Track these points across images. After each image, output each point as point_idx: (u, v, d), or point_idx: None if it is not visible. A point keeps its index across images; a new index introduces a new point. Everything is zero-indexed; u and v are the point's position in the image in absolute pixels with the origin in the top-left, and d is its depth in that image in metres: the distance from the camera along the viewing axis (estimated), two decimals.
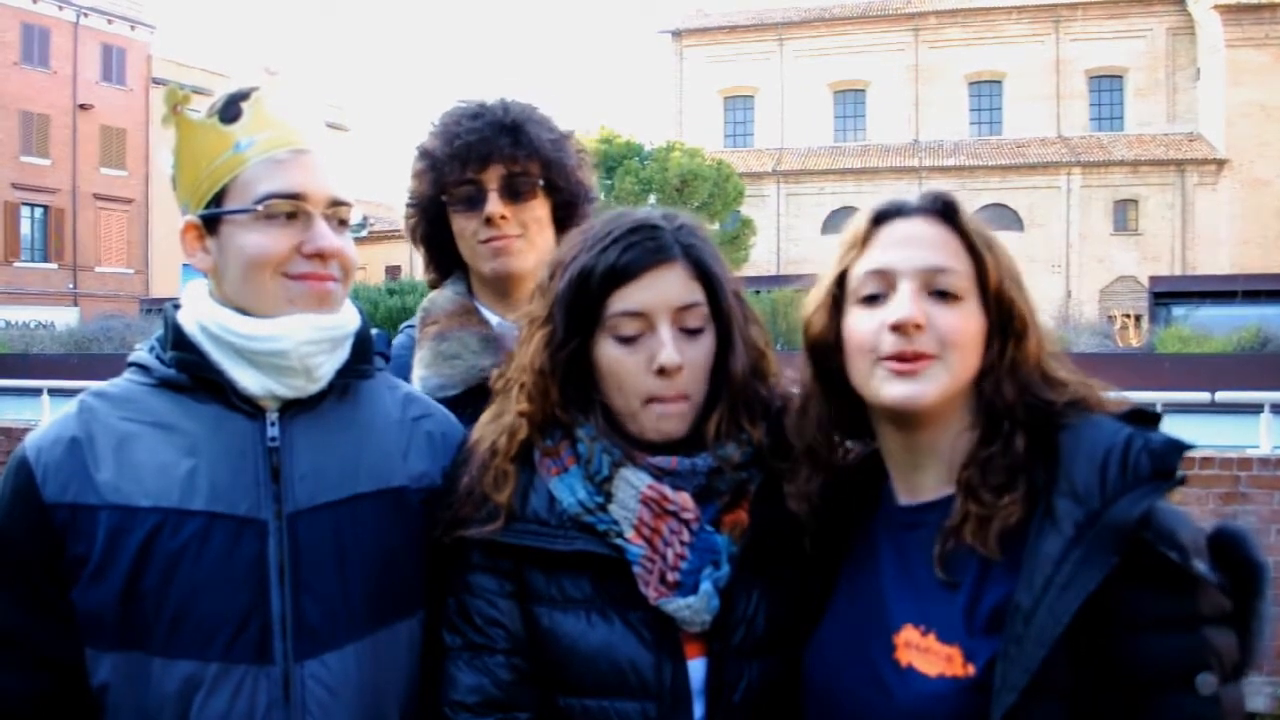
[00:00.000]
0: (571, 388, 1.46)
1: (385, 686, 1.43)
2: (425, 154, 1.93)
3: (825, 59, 47.99)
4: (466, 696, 1.41)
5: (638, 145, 34.28)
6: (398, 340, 2.03)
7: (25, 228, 38.48)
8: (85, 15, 39.67)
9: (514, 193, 1.89)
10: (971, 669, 1.18)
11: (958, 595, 1.23)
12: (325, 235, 1.40)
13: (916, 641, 1.25)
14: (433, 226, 1.99)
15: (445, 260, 2.04)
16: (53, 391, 10.85)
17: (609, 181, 32.87)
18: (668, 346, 1.40)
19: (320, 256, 1.40)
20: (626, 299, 1.42)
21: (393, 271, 46.58)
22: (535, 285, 1.54)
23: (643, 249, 1.43)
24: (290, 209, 1.39)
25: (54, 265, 39.03)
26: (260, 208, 1.38)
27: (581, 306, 1.44)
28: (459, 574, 1.46)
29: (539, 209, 1.93)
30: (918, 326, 1.26)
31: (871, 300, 1.31)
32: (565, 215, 1.97)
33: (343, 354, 1.47)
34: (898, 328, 1.26)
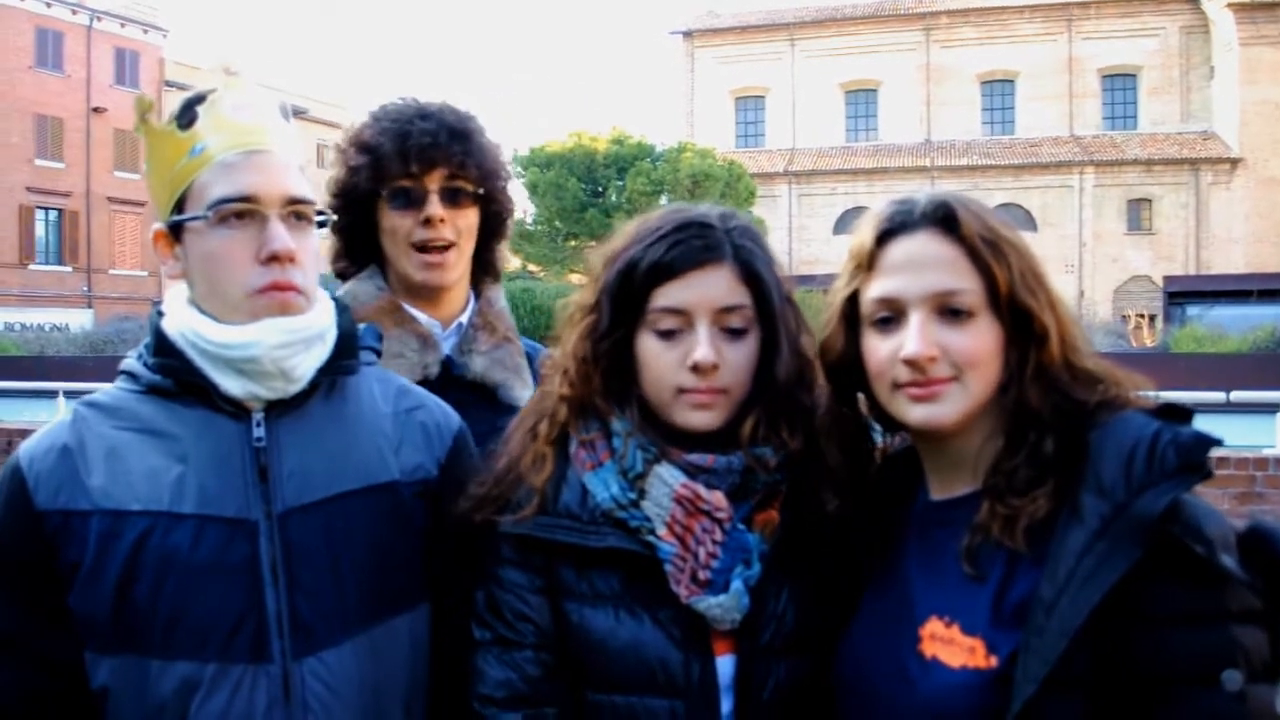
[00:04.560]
0: (613, 378, 1.47)
1: (387, 682, 1.44)
2: (365, 147, 1.92)
3: (836, 59, 47.91)
4: (495, 691, 1.42)
5: (649, 146, 34.29)
6: None
7: (40, 231, 38.72)
8: (98, 19, 39.91)
9: (453, 198, 1.92)
10: (994, 660, 1.19)
11: (984, 588, 1.24)
12: (279, 237, 1.38)
13: (941, 633, 1.25)
14: (359, 219, 1.97)
15: (361, 253, 2.02)
16: (68, 394, 10.92)
17: (621, 182, 32.89)
18: (703, 345, 1.40)
19: (276, 259, 1.39)
20: (669, 295, 1.42)
21: None
22: (589, 273, 1.55)
23: (689, 247, 1.43)
24: (240, 211, 1.38)
25: (68, 268, 39.26)
26: (212, 213, 1.38)
27: (626, 298, 1.45)
28: (489, 567, 1.47)
29: (472, 217, 1.97)
30: (931, 359, 1.26)
31: (884, 324, 1.32)
32: (489, 226, 2.02)
33: (323, 351, 1.46)
34: (910, 363, 1.27)
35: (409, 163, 1.88)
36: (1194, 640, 1.11)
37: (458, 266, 1.95)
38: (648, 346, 1.44)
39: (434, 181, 1.90)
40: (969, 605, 1.24)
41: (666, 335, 1.43)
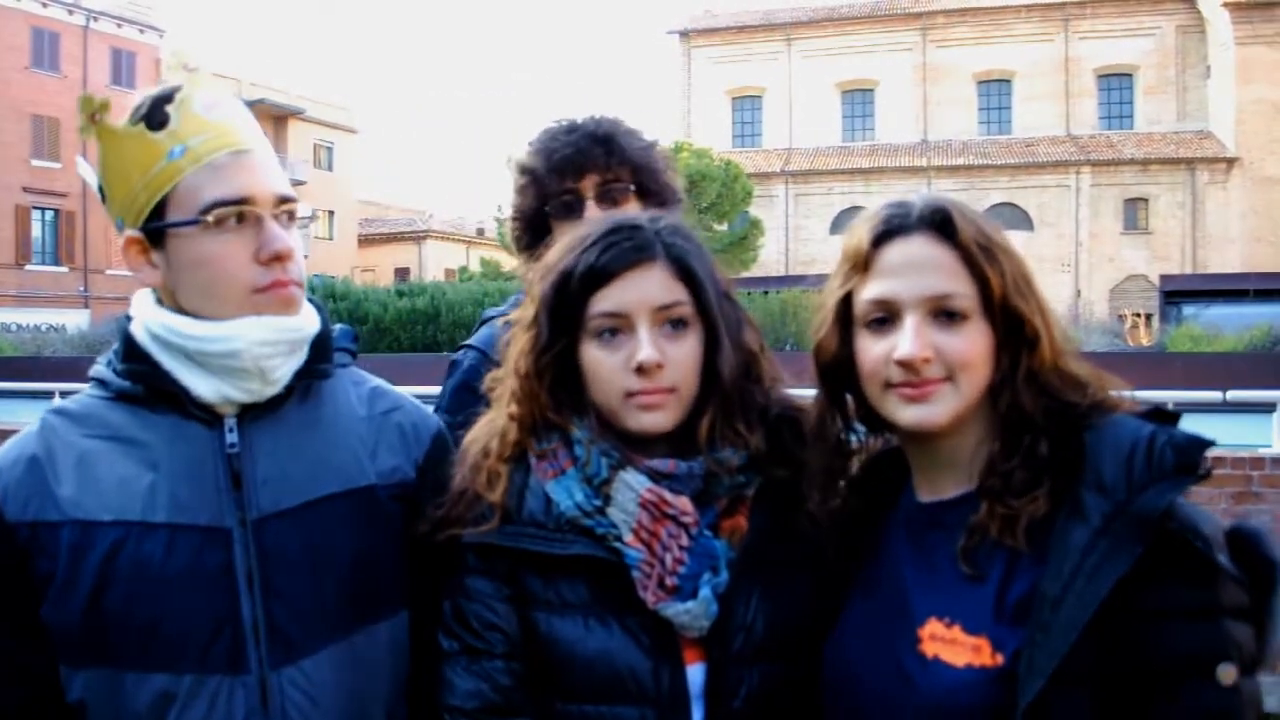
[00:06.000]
0: (563, 390, 1.46)
1: (367, 690, 1.42)
2: (526, 170, 2.08)
3: (833, 59, 47.94)
4: (465, 702, 1.40)
5: None
6: (488, 333, 2.09)
7: (36, 231, 38.66)
8: (95, 19, 39.84)
9: (609, 199, 2.03)
10: (1000, 658, 1.20)
11: (984, 588, 1.25)
12: (279, 237, 1.36)
13: (942, 634, 1.26)
14: (536, 237, 2.08)
15: None
16: (64, 394, 10.83)
17: None
18: (646, 346, 1.39)
19: (278, 259, 1.36)
20: (606, 300, 1.42)
21: (401, 273, 46.61)
22: (527, 289, 1.54)
23: (620, 249, 1.42)
24: (239, 215, 1.35)
25: (65, 268, 39.20)
26: (209, 218, 1.34)
27: (564, 309, 1.44)
28: (455, 577, 1.45)
29: (633, 212, 2.02)
30: (925, 360, 1.28)
31: (878, 325, 1.33)
32: None
33: (301, 356, 1.44)
34: (904, 364, 1.28)
35: (562, 175, 2.02)
36: (1191, 635, 1.14)
37: None
38: (591, 355, 1.43)
39: (588, 188, 2.02)
40: (969, 606, 1.25)
41: (608, 341, 1.42)
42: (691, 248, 1.47)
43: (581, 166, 2.01)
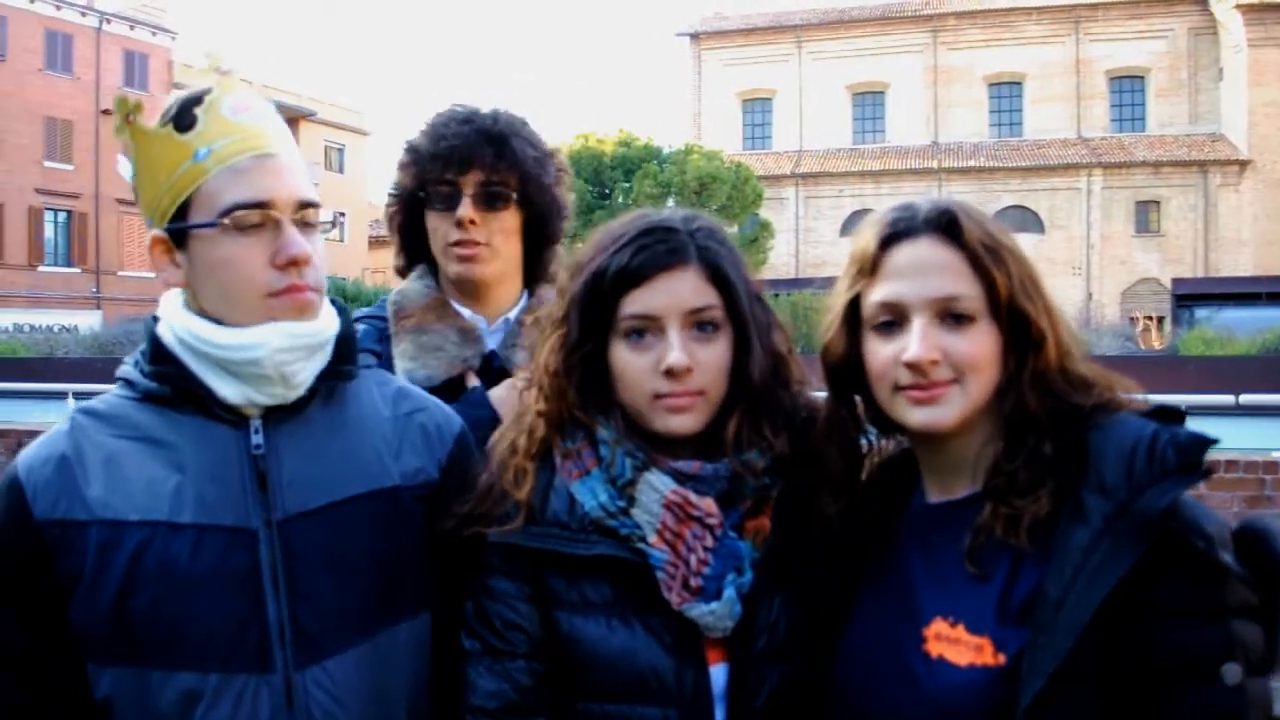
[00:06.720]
0: (590, 389, 1.46)
1: (391, 689, 1.43)
2: (411, 149, 2.00)
3: (843, 61, 47.91)
4: (487, 702, 1.41)
5: (656, 148, 34.33)
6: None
7: (49, 232, 38.81)
8: (108, 22, 40.02)
9: (488, 201, 1.95)
10: (1002, 658, 1.20)
11: (989, 588, 1.25)
12: (296, 242, 1.37)
13: (946, 633, 1.27)
14: (410, 218, 2.05)
15: (415, 252, 2.10)
16: (77, 395, 10.92)
17: (628, 184, 32.91)
18: (676, 349, 1.39)
19: (294, 263, 1.37)
20: (637, 302, 1.42)
21: None
22: (556, 285, 1.55)
23: (654, 251, 1.42)
24: (258, 218, 1.36)
25: (77, 269, 39.35)
26: (227, 220, 1.35)
27: (595, 308, 1.44)
28: (478, 577, 1.46)
29: (509, 220, 1.99)
30: (933, 362, 1.28)
31: (886, 328, 1.33)
32: (536, 229, 2.04)
33: (323, 359, 1.45)
34: (912, 367, 1.29)
35: (445, 165, 1.93)
36: (1195, 635, 1.14)
37: (490, 264, 1.97)
38: (620, 355, 1.43)
39: (469, 185, 1.94)
40: (974, 605, 1.26)
41: (638, 342, 1.42)
42: (724, 251, 1.46)
43: (467, 161, 1.92)
